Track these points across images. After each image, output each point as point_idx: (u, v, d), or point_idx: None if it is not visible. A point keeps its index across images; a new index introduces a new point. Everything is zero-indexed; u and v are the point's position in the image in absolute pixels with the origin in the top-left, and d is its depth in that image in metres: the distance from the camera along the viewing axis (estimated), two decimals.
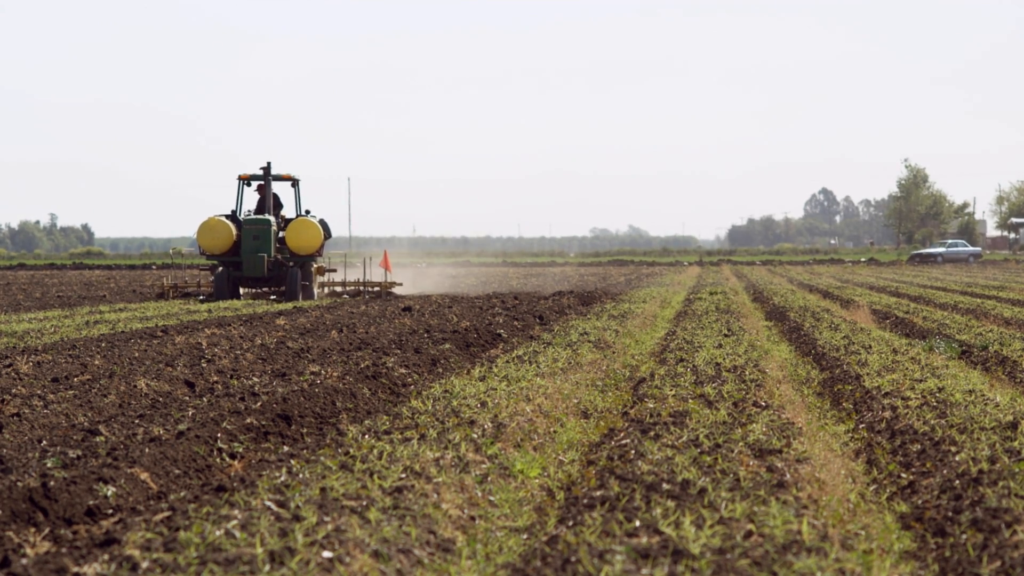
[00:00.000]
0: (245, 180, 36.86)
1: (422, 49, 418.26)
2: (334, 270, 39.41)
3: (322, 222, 36.57)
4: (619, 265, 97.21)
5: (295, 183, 37.19)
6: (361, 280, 39.54)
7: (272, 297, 36.56)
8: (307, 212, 36.84)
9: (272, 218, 36.05)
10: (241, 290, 36.58)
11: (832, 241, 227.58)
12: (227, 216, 36.16)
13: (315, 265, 37.07)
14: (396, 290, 39.96)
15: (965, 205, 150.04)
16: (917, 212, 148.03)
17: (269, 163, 36.57)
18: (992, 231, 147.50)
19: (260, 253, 35.53)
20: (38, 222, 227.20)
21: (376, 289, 39.06)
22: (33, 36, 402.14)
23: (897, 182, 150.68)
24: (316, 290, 37.35)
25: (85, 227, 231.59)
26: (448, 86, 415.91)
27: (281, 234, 36.44)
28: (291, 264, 36.03)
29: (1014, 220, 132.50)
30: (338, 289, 39.38)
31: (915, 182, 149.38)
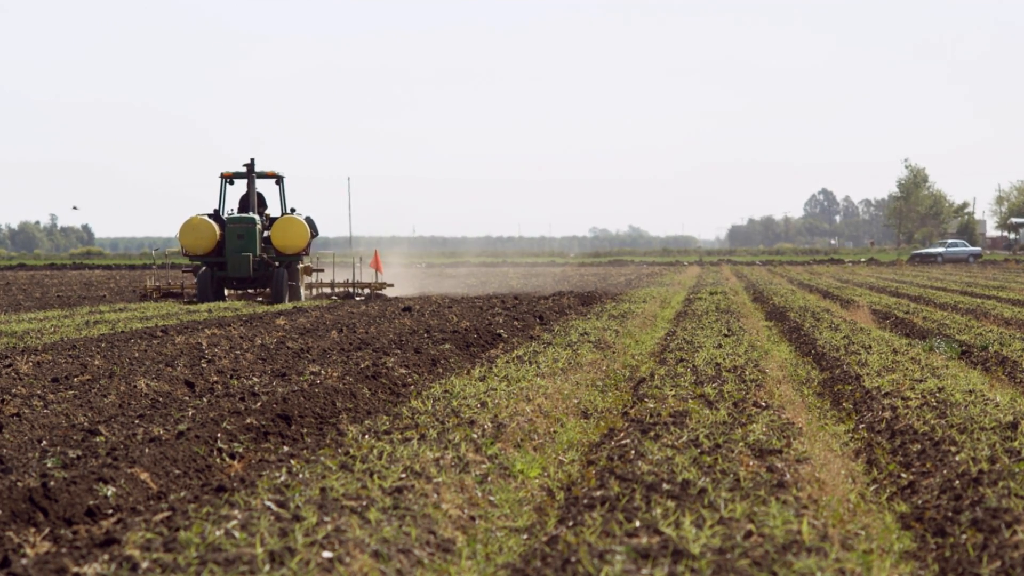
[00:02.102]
0: (227, 178, 35.76)
1: (422, 48, 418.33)
2: (321, 270, 38.18)
3: (309, 220, 35.51)
4: (619, 265, 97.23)
5: (279, 180, 36.12)
6: (351, 281, 38.43)
7: (258, 299, 35.50)
8: (292, 210, 35.77)
9: (257, 216, 34.97)
10: (225, 291, 35.44)
11: (832, 241, 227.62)
12: (210, 215, 35.04)
13: (302, 265, 35.95)
14: (387, 291, 38.86)
15: (965, 205, 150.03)
16: (917, 212, 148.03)
17: (253, 160, 35.45)
18: (992, 231, 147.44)
19: (245, 253, 34.42)
20: (38, 222, 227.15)
21: (366, 291, 37.98)
22: (33, 36, 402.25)
23: (897, 182, 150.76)
24: (303, 291, 36.27)
25: (85, 227, 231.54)
26: (448, 86, 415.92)
27: (266, 233, 35.33)
28: (277, 264, 34.95)
29: (1014, 220, 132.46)
30: (326, 291, 38.20)
31: (915, 182, 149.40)
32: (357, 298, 37.19)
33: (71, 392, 12.93)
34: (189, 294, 36.07)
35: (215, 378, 14.75)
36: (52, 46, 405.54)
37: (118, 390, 13.27)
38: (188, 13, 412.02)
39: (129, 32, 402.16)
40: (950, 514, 7.86)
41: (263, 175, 35.77)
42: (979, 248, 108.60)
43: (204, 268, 34.62)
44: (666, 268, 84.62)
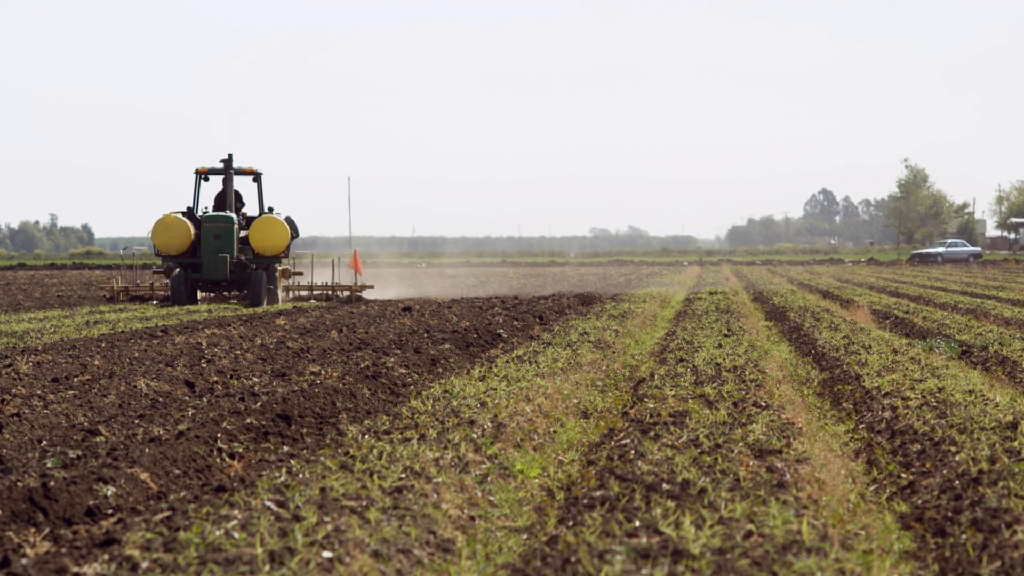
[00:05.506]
0: (203, 174, 33.92)
1: (422, 48, 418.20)
2: (300, 273, 36.43)
3: (288, 220, 33.92)
4: (619, 265, 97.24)
5: (257, 177, 34.49)
6: (329, 283, 36.64)
7: (233, 301, 33.91)
8: (270, 209, 34.11)
9: (234, 216, 33.40)
10: (200, 294, 33.81)
11: (832, 241, 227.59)
12: (183, 213, 33.47)
13: (280, 267, 34.27)
14: (367, 294, 37.22)
15: (965, 205, 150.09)
16: (917, 212, 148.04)
17: (230, 155, 33.83)
18: (992, 231, 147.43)
19: (221, 254, 32.85)
20: (38, 222, 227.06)
21: (346, 293, 36.18)
22: (33, 36, 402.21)
23: (897, 182, 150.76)
24: (281, 294, 34.63)
25: (85, 227, 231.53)
26: (448, 85, 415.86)
27: (243, 233, 33.74)
28: (254, 266, 33.33)
29: (1014, 220, 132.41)
30: (304, 293, 36.39)
31: (915, 182, 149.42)
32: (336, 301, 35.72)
33: (71, 392, 12.93)
34: (160, 296, 34.50)
35: (215, 378, 14.75)
36: (52, 46, 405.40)
37: (118, 390, 13.27)
38: (188, 12, 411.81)
39: (129, 32, 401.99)
40: (950, 514, 7.87)
41: (240, 171, 34.19)
42: (979, 248, 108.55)
43: (177, 269, 32.93)
44: (666, 268, 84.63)
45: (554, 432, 11.65)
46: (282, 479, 8.07)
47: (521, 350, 17.61)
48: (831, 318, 24.67)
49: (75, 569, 6.26)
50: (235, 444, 10.59)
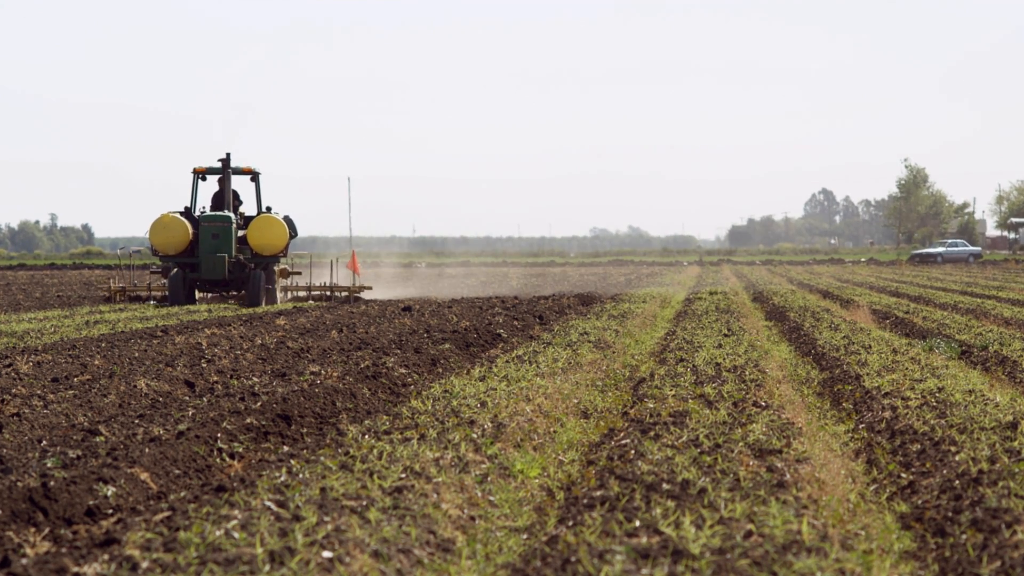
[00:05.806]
0: (200, 174, 33.95)
1: (422, 48, 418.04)
2: (298, 273, 36.28)
3: (287, 219, 33.73)
4: (619, 265, 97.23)
5: (255, 176, 34.41)
6: (327, 284, 36.42)
7: (231, 301, 33.77)
8: (268, 208, 34.02)
9: (232, 215, 33.19)
10: (197, 294, 33.69)
11: (832, 241, 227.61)
12: (181, 213, 33.28)
13: (279, 267, 34.14)
14: (366, 295, 36.92)
15: (965, 205, 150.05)
16: (917, 212, 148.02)
17: (228, 155, 33.67)
18: (992, 231, 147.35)
19: (220, 253, 32.66)
20: (38, 222, 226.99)
21: (344, 294, 35.95)
22: (33, 36, 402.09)
23: (897, 182, 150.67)
24: (279, 294, 34.42)
25: (85, 227, 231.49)
26: (449, 85, 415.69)
27: (241, 232, 33.57)
28: (253, 265, 33.14)
29: (1014, 220, 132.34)
30: (302, 294, 36.18)
31: (915, 182, 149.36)
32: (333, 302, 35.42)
33: (71, 392, 12.93)
34: (158, 296, 34.33)
35: (215, 378, 14.75)
36: (52, 46, 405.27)
37: (118, 390, 13.27)
38: (188, 12, 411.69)
39: (129, 32, 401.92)
40: (950, 514, 7.87)
41: (238, 171, 33.97)
42: (979, 248, 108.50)
43: (175, 269, 32.78)
44: (666, 268, 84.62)
45: (554, 432, 11.65)
46: (282, 479, 8.07)
47: (521, 350, 17.61)
48: (831, 318, 24.67)
49: (75, 569, 6.26)
50: (235, 444, 10.59)
